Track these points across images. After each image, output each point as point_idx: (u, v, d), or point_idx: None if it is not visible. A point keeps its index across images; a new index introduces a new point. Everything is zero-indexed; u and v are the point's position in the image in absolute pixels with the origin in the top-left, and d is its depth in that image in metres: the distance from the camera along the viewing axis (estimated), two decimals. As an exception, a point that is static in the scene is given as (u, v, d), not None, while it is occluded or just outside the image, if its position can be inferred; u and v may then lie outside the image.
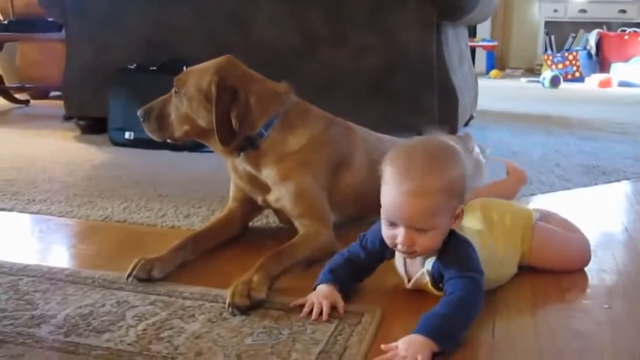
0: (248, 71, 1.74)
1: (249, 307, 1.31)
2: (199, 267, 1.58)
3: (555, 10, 7.86)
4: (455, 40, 3.18)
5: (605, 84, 6.37)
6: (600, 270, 1.58)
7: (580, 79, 6.85)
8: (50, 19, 4.24)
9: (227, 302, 1.32)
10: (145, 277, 1.46)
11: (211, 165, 2.57)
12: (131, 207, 2.07)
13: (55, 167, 2.66)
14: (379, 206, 1.87)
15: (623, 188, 2.43)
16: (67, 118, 3.72)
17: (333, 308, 1.30)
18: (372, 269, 1.43)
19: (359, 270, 1.42)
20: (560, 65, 6.97)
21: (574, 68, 7.02)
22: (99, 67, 3.25)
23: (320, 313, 1.28)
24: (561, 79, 6.35)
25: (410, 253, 1.30)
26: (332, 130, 1.76)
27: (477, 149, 2.14)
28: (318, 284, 1.36)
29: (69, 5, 3.27)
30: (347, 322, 1.27)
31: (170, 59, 3.10)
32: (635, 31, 7.17)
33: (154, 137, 1.82)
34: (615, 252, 1.73)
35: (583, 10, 7.76)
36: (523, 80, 7.06)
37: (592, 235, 1.78)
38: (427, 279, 1.34)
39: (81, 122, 3.42)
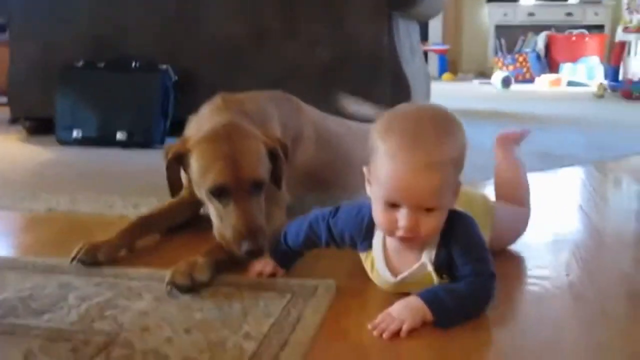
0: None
1: (189, 288, 1.25)
2: (148, 252, 1.52)
3: (505, 14, 8.00)
4: (406, 33, 3.18)
5: (555, 83, 6.49)
6: (558, 244, 1.57)
7: (531, 80, 6.97)
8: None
9: (166, 280, 1.25)
10: (90, 261, 1.39)
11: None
12: (77, 199, 1.98)
13: (-2, 166, 2.56)
14: (327, 183, 1.82)
15: (576, 172, 2.45)
16: (13, 121, 3.60)
17: (273, 274, 1.33)
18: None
19: (311, 247, 1.34)
20: (510, 67, 7.08)
21: (524, 69, 7.13)
22: (46, 65, 3.16)
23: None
24: (512, 80, 6.44)
25: (412, 239, 1.12)
26: (282, 107, 1.72)
27: None
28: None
29: (12, 2, 3.16)
30: (300, 295, 1.23)
31: (119, 56, 3.03)
32: (582, 32, 7.33)
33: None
34: (572, 228, 1.74)
35: (531, 14, 7.91)
36: (475, 82, 7.15)
37: (549, 214, 1.79)
38: (430, 268, 1.16)
39: (27, 124, 3.31)
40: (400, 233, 1.11)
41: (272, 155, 1.50)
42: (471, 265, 1.14)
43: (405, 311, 1.09)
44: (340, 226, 1.25)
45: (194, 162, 1.44)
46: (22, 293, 1.25)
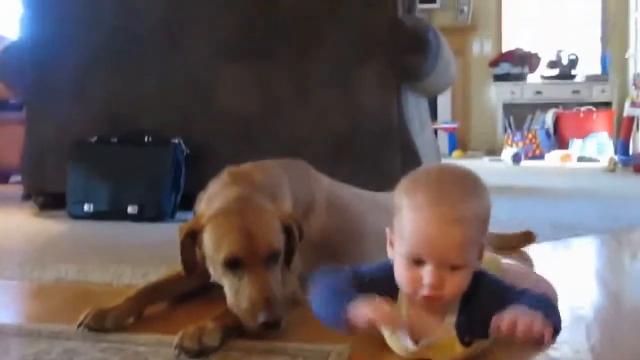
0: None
1: (197, 353, 1.21)
2: (156, 319, 1.48)
3: (512, 93, 8.12)
4: (415, 107, 3.22)
5: (566, 159, 6.51)
6: (577, 309, 1.53)
7: (541, 157, 6.99)
8: (9, 101, 4.22)
9: (174, 343, 1.22)
10: (97, 327, 1.35)
11: (174, 233, 2.49)
12: (86, 269, 1.96)
13: (8, 240, 2.56)
14: (339, 250, 1.79)
15: (590, 240, 2.42)
16: (27, 197, 3.63)
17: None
18: None
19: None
20: (520, 144, 7.13)
21: (534, 146, 7.18)
22: (60, 142, 3.19)
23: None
24: (522, 156, 6.47)
25: (435, 299, 1.09)
26: (293, 174, 1.71)
27: None
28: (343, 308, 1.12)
29: (29, 80, 3.25)
30: (312, 357, 1.19)
31: (131, 131, 3.08)
32: (589, 109, 7.41)
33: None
34: (590, 294, 1.70)
35: (539, 92, 8.03)
36: (485, 159, 7.19)
37: (566, 280, 1.75)
38: (454, 333, 1.11)
39: (39, 199, 3.32)
40: (424, 291, 1.07)
41: (286, 231, 1.47)
42: (508, 300, 1.08)
43: (524, 314, 1.02)
44: (364, 271, 1.22)
45: (207, 238, 1.42)
46: (26, 358, 1.22)
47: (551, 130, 7.43)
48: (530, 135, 7.23)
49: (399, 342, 1.15)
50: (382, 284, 1.18)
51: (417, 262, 1.08)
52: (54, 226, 2.85)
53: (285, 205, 1.62)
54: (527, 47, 8.15)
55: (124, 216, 2.91)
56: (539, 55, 8.09)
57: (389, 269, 1.17)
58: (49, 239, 2.54)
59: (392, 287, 1.17)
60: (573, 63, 8.01)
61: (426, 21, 2.89)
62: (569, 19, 8.27)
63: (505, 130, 7.99)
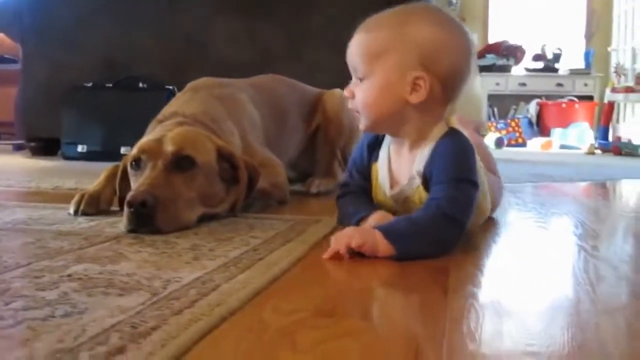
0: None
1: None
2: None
3: (497, 84, 8.24)
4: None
5: (547, 146, 6.64)
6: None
7: (523, 145, 7.11)
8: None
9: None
10: (94, 212, 1.34)
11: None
12: (83, 181, 2.03)
13: (6, 167, 2.61)
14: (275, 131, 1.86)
15: (566, 185, 2.52)
16: (19, 148, 3.69)
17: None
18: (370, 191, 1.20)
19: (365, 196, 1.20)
20: (503, 132, 7.24)
21: (517, 134, 7.29)
22: (55, 86, 3.23)
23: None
24: (505, 141, 6.59)
25: (355, 111, 1.11)
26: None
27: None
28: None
29: (27, 23, 3.29)
30: (304, 223, 1.27)
31: (127, 76, 3.14)
32: (571, 100, 7.56)
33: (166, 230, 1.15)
34: (570, 207, 1.79)
35: (523, 84, 8.16)
36: (469, 145, 7.31)
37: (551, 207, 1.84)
38: (418, 181, 1.10)
39: (32, 144, 3.37)
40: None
41: (229, 161, 1.38)
42: (448, 170, 1.05)
43: (355, 231, 1.01)
44: (356, 152, 1.22)
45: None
46: (33, 216, 1.29)
47: (534, 120, 7.56)
48: (513, 124, 7.35)
49: (381, 187, 1.16)
50: (361, 159, 1.20)
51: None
52: (49, 163, 2.90)
53: (234, 139, 1.57)
54: (512, 40, 8.28)
55: (117, 157, 2.95)
56: (524, 48, 8.23)
57: (359, 147, 1.21)
58: (45, 168, 2.60)
59: (370, 149, 1.18)
60: (557, 57, 8.16)
61: (417, -21, 2.96)
62: (554, 14, 8.42)
63: (490, 119, 8.12)
